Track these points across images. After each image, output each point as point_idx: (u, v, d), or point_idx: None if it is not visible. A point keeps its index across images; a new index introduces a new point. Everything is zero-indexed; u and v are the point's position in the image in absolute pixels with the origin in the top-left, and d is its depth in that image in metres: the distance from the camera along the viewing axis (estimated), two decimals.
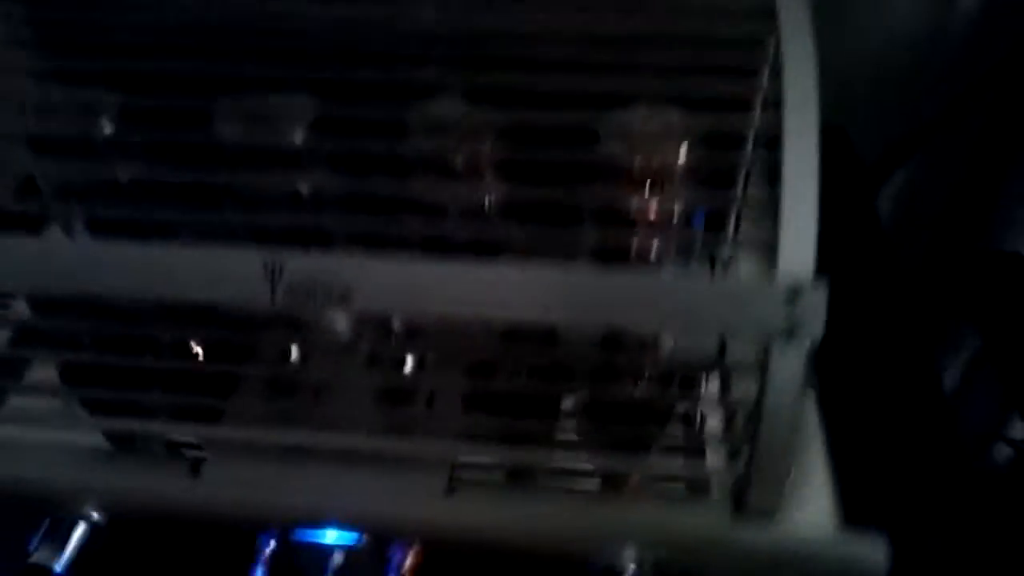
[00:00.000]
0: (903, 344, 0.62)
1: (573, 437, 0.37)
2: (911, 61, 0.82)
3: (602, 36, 0.33)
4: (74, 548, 0.39)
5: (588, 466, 0.36)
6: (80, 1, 0.36)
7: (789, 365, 0.29)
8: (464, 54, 0.34)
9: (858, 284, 0.64)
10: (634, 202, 0.35)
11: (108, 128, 0.36)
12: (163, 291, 0.32)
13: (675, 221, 0.36)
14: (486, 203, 0.37)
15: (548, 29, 0.34)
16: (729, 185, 0.37)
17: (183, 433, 0.35)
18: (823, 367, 0.31)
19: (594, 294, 0.29)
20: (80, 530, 0.39)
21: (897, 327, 0.63)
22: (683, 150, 0.34)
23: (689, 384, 0.37)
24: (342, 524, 0.35)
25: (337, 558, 0.36)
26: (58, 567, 0.38)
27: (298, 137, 0.36)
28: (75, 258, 0.32)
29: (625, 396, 0.36)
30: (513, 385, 0.33)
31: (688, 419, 0.37)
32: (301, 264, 0.31)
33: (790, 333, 0.29)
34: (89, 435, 0.37)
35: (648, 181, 0.35)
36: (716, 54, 0.32)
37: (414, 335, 0.35)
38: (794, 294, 0.29)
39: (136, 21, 0.36)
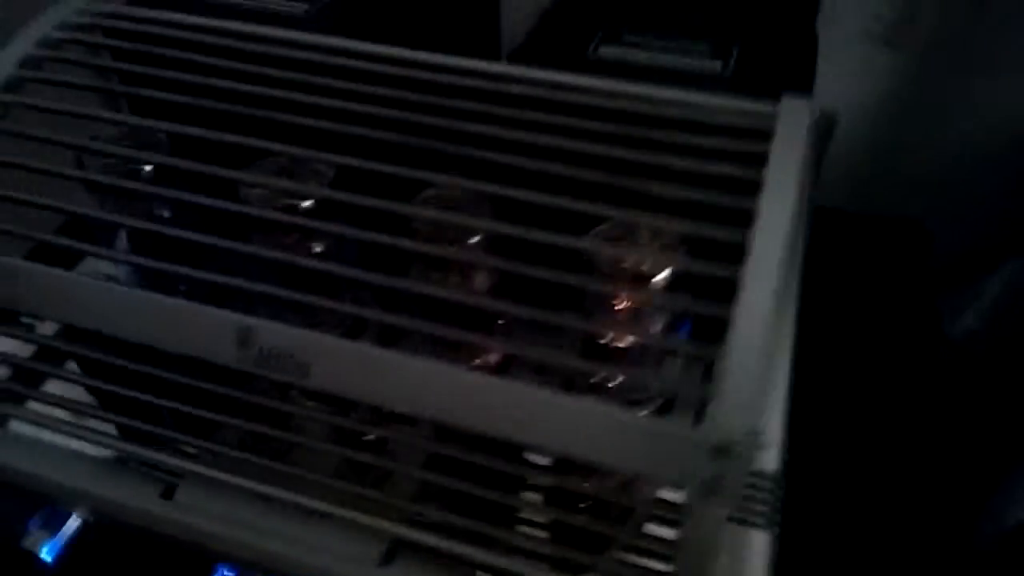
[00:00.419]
0: None
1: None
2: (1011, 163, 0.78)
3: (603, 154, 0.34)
4: (66, 539, 0.43)
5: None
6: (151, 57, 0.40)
7: (706, 525, 0.29)
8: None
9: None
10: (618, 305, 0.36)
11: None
12: (152, 338, 0.35)
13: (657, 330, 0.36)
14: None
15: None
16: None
17: (153, 459, 0.38)
18: None
19: (519, 409, 0.30)
20: (74, 523, 0.43)
21: None
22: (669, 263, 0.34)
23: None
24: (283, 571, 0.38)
25: None
26: (47, 555, 0.42)
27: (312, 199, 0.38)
28: (87, 296, 0.35)
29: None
30: (462, 484, 0.34)
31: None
32: (270, 333, 0.33)
33: (709, 491, 0.29)
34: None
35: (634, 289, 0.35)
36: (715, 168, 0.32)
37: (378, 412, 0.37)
38: (718, 452, 0.28)
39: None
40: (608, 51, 0.41)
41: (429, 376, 0.32)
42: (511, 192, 0.34)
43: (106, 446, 0.39)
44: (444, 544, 0.34)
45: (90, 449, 0.40)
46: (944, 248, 0.82)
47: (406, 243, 0.34)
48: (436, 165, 0.36)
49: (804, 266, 0.55)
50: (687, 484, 0.29)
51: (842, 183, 0.82)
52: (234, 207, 0.36)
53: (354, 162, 0.36)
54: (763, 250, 0.29)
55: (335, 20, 0.46)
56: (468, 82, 0.37)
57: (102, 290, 0.35)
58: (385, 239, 0.34)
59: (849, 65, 0.80)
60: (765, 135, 0.32)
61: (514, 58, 0.45)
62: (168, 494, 0.39)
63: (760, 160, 0.31)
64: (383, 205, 0.35)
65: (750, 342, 0.29)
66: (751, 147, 0.32)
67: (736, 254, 0.30)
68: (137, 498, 0.39)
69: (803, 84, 0.42)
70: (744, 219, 0.30)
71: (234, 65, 0.39)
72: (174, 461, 0.38)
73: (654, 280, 0.33)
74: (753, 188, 0.31)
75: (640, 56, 0.41)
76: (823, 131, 0.70)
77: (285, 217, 0.37)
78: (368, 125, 0.37)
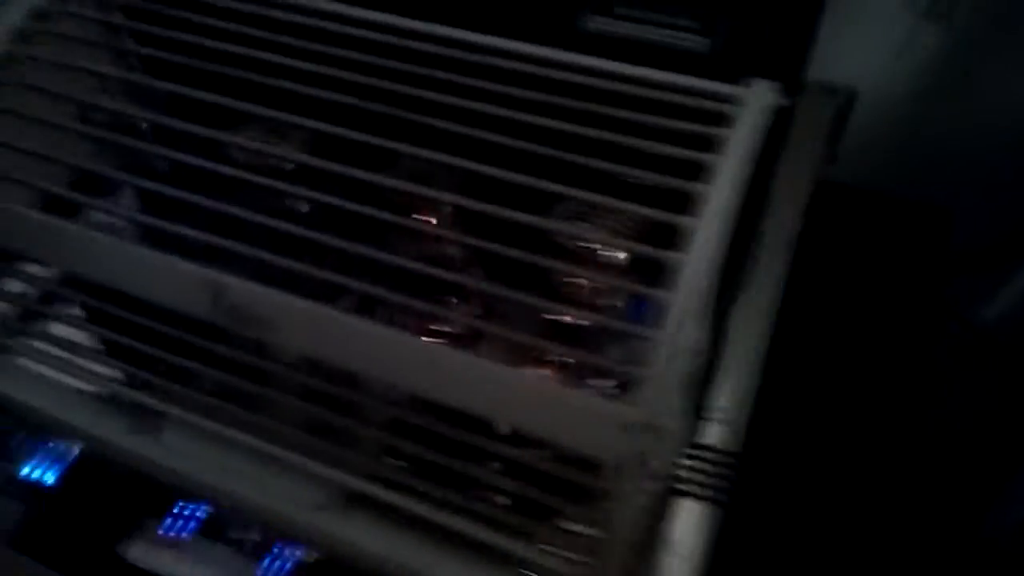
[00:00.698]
0: None
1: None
2: None
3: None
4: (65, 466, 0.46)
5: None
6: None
7: (631, 499, 0.30)
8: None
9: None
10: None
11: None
12: (135, 288, 0.37)
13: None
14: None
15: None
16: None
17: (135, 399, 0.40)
18: None
19: (463, 378, 0.31)
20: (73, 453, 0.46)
21: None
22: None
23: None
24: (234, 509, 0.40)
25: None
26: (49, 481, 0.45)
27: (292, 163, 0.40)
28: (80, 245, 0.38)
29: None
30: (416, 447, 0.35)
31: None
32: (241, 291, 0.35)
33: (633, 465, 0.30)
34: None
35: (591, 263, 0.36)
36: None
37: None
38: (644, 428, 0.29)
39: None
40: (596, 22, 0.41)
41: (382, 341, 0.33)
42: (478, 167, 0.34)
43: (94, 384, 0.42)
44: (395, 499, 0.36)
45: (84, 386, 0.43)
46: (970, 232, 0.80)
47: (377, 213, 0.35)
48: (412, 135, 0.36)
49: (799, 245, 0.54)
50: (609, 458, 0.30)
51: (871, 159, 0.80)
52: (221, 169, 0.37)
53: (333, 130, 0.37)
54: (704, 238, 0.30)
55: None
56: (447, 52, 0.37)
57: (93, 240, 0.37)
58: (356, 207, 0.35)
59: (887, 37, 0.78)
60: (727, 119, 0.32)
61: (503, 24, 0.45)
62: (146, 431, 0.41)
63: (716, 145, 0.32)
64: (357, 174, 0.36)
65: (683, 328, 0.29)
66: (710, 131, 0.32)
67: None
68: (116, 435, 0.41)
69: (792, 63, 0.42)
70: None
71: (228, 26, 0.40)
72: (152, 402, 0.40)
73: (605, 262, 0.34)
74: (706, 174, 0.31)
75: (628, 29, 0.41)
76: (842, 109, 0.68)
77: (266, 180, 0.38)
78: (351, 93, 0.38)
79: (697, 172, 0.32)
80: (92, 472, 0.46)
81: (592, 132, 0.33)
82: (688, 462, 0.34)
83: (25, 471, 0.45)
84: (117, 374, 0.41)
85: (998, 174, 0.79)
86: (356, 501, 0.38)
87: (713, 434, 0.37)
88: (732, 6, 0.42)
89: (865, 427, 0.59)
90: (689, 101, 0.34)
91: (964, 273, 0.83)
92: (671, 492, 0.32)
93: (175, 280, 0.36)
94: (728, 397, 0.40)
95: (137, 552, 0.45)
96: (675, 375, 0.29)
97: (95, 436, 0.42)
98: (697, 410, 0.32)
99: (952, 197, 0.78)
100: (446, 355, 0.32)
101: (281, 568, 0.43)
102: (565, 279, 0.36)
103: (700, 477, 0.35)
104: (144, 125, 0.43)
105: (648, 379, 0.29)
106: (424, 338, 0.34)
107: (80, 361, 0.42)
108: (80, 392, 0.43)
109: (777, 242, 0.35)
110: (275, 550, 0.43)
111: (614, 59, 0.36)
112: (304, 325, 0.34)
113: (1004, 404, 0.92)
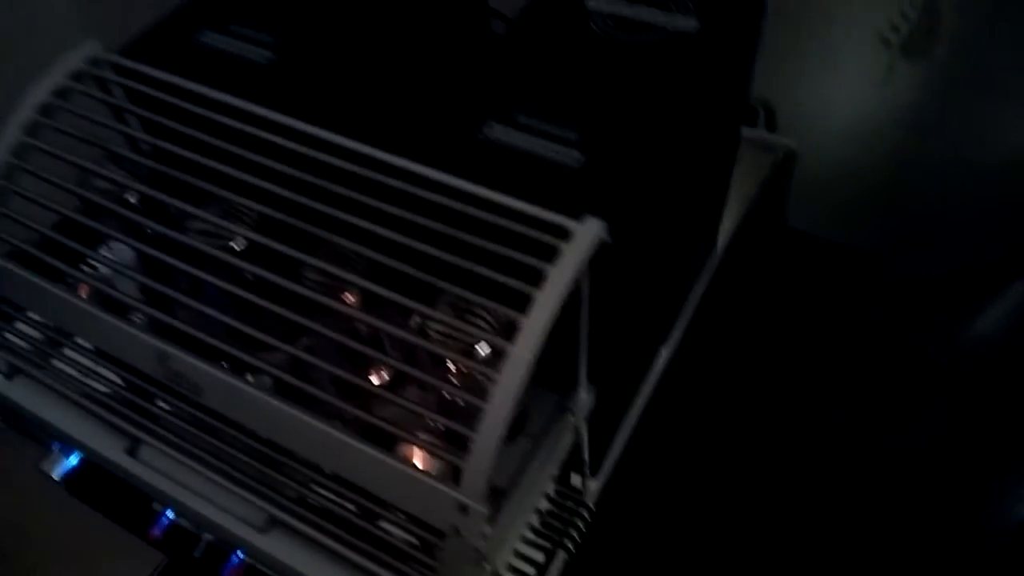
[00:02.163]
0: None
1: None
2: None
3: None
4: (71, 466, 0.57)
5: None
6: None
7: (453, 562, 0.38)
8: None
9: None
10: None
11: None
12: (105, 347, 0.47)
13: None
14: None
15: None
16: None
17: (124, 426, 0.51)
18: None
19: (340, 452, 0.40)
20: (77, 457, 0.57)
21: None
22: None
23: None
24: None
25: None
26: (56, 475, 0.56)
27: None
28: (59, 305, 0.48)
29: None
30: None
31: None
32: (178, 359, 0.44)
33: (456, 534, 0.38)
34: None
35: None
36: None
37: None
38: (460, 508, 0.38)
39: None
40: (494, 131, 0.48)
41: (275, 414, 0.42)
42: (378, 256, 0.42)
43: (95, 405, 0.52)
44: (302, 526, 0.46)
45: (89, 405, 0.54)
46: (928, 267, 0.83)
47: (299, 289, 0.44)
48: (330, 226, 0.44)
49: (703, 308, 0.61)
50: (441, 527, 0.38)
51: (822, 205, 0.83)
52: (184, 240, 0.46)
53: (275, 215, 0.45)
54: (513, 365, 0.37)
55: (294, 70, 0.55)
56: (356, 167, 0.45)
57: (69, 304, 0.47)
58: (286, 284, 0.43)
59: (861, 69, 0.80)
60: (553, 252, 0.39)
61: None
62: (132, 452, 0.52)
63: (538, 277, 0.39)
64: (291, 252, 0.44)
65: (491, 435, 0.37)
66: (538, 264, 0.39)
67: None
68: (106, 449, 0.52)
69: (656, 179, 0.47)
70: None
71: (207, 115, 0.48)
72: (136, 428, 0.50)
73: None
74: (525, 300, 0.38)
75: (518, 140, 0.47)
76: (785, 165, 0.73)
77: (220, 254, 0.47)
78: (290, 187, 0.46)
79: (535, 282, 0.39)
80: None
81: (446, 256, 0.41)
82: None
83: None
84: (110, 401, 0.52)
85: (956, 213, 0.81)
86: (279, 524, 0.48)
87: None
88: (614, 115, 0.48)
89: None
90: (530, 231, 0.40)
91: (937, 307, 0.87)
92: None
93: (132, 345, 0.46)
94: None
95: None
96: (483, 468, 0.37)
97: (92, 449, 0.53)
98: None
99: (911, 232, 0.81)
100: (325, 434, 0.41)
101: None
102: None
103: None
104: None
105: (466, 469, 0.37)
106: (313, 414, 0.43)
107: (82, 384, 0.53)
108: (81, 408, 0.54)
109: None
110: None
111: (510, 165, 0.44)
112: (224, 393, 0.44)
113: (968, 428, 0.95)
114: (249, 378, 0.44)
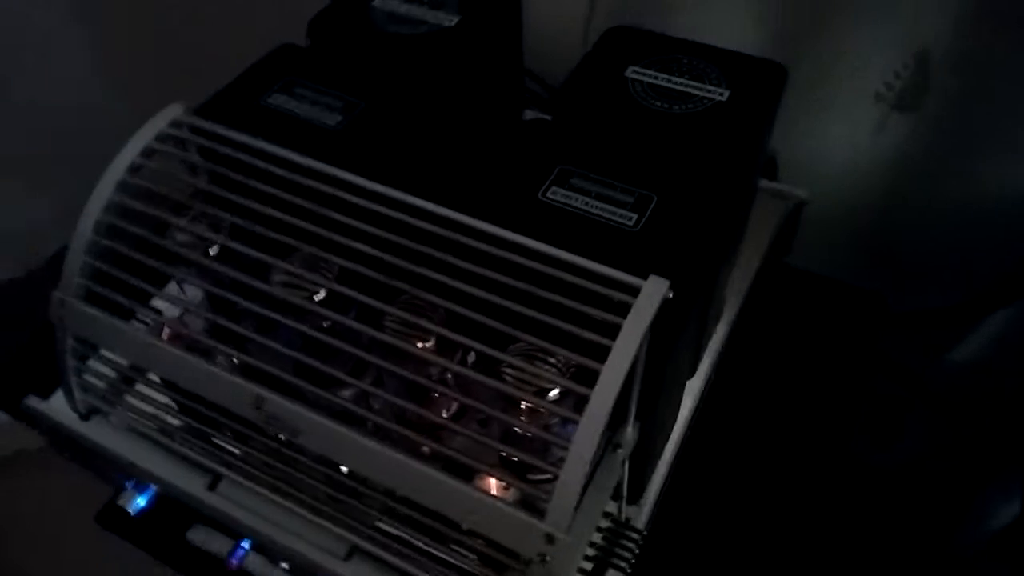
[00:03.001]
0: None
1: None
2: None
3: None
4: (146, 502, 0.61)
5: None
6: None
7: None
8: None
9: None
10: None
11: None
12: (201, 392, 0.51)
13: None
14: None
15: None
16: None
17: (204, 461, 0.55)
18: None
19: (430, 484, 0.45)
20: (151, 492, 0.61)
21: None
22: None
23: None
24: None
25: None
26: (131, 510, 0.60)
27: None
28: (153, 352, 0.52)
29: None
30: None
31: None
32: (276, 403, 0.49)
33: (541, 562, 0.42)
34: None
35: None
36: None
37: None
38: (549, 538, 0.42)
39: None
40: (554, 193, 0.53)
41: (372, 454, 0.46)
42: (457, 308, 0.47)
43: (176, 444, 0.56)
44: (386, 555, 0.50)
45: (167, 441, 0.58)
46: (925, 300, 0.89)
47: (379, 335, 0.48)
48: (410, 279, 0.49)
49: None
50: (524, 555, 0.43)
51: (822, 244, 0.89)
52: (266, 288, 0.50)
53: (352, 266, 0.49)
54: (596, 406, 0.42)
55: (363, 132, 0.60)
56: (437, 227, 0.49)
57: (163, 351, 0.51)
58: (368, 331, 0.48)
59: (856, 120, 0.87)
60: (624, 308, 0.44)
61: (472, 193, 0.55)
62: (213, 486, 0.56)
63: (613, 331, 0.44)
64: (372, 302, 0.49)
65: (576, 474, 0.42)
66: (610, 318, 0.44)
67: None
68: (186, 484, 0.56)
69: (704, 237, 0.53)
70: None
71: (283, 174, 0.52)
72: (217, 463, 0.54)
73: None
74: (604, 351, 0.43)
75: (576, 202, 0.53)
76: (793, 214, 0.79)
77: (302, 303, 0.51)
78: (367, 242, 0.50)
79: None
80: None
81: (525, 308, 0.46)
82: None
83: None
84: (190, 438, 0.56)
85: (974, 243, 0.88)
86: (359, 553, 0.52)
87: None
88: (665, 179, 0.54)
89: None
90: (599, 288, 0.45)
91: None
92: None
93: (227, 390, 0.50)
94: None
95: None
96: (569, 503, 0.42)
97: (170, 483, 0.57)
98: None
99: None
100: (416, 469, 0.45)
101: None
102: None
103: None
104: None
105: (553, 502, 0.42)
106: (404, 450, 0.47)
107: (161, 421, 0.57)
108: (159, 445, 0.58)
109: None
110: None
111: (571, 225, 0.49)
112: (320, 434, 0.48)
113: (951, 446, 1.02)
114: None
